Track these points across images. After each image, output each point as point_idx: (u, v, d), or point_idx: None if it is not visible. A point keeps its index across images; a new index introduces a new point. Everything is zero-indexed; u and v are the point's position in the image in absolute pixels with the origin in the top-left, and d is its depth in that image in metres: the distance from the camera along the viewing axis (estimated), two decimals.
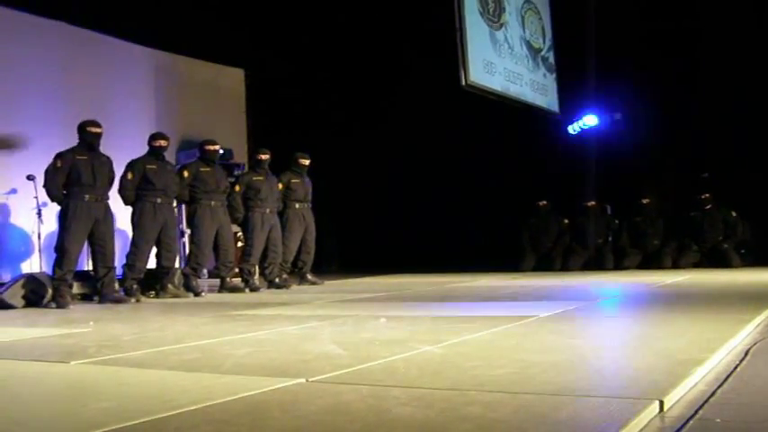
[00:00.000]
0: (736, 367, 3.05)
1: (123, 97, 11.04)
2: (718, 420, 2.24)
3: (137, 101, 11.32)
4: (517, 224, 12.21)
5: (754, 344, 3.62)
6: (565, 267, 11.43)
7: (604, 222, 11.82)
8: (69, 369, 3.28)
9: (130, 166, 7.80)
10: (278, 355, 3.52)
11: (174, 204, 8.49)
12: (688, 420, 2.23)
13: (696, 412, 2.32)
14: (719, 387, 2.69)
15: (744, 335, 3.86)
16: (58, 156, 7.17)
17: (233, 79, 13.40)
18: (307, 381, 2.80)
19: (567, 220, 11.93)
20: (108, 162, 7.45)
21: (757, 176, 13.34)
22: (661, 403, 2.33)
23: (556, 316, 4.83)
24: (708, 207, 11.33)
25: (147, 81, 11.64)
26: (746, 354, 3.37)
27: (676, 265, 10.95)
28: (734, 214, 11.40)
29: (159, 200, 7.82)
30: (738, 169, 13.30)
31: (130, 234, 8.00)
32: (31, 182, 8.13)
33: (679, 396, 2.49)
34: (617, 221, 11.81)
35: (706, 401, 2.46)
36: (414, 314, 5.36)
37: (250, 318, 5.39)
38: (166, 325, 5.10)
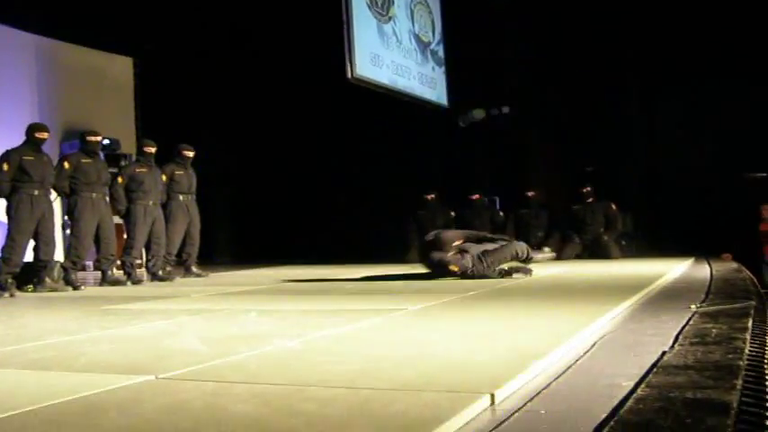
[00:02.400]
0: (578, 359, 3.18)
1: (2, 84, 10.72)
2: (543, 412, 2.34)
3: (16, 88, 10.99)
4: (405, 216, 12.34)
5: (604, 336, 3.77)
6: None
7: (489, 215, 12.05)
8: None
9: (5, 156, 7.60)
10: (136, 351, 3.51)
11: (55, 196, 8.31)
12: (514, 413, 2.32)
13: (525, 404, 2.41)
14: (555, 380, 2.80)
15: (597, 326, 4.00)
16: None
17: (122, 68, 13.14)
18: (156, 378, 2.80)
19: (453, 213, 12.12)
20: None
21: (638, 170, 13.87)
22: (492, 396, 2.42)
23: (424, 309, 4.92)
24: (590, 200, 11.66)
25: (27, 68, 11.32)
26: (593, 346, 3.51)
27: (559, 257, 11.25)
28: (614, 207, 11.78)
29: (36, 192, 7.64)
30: (620, 163, 13.80)
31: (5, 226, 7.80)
32: None
33: (514, 389, 2.58)
34: (502, 213, 12.07)
35: (538, 394, 2.56)
36: (286, 308, 5.40)
37: (120, 312, 5.34)
38: (32, 321, 5.02)
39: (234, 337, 3.88)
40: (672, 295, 5.79)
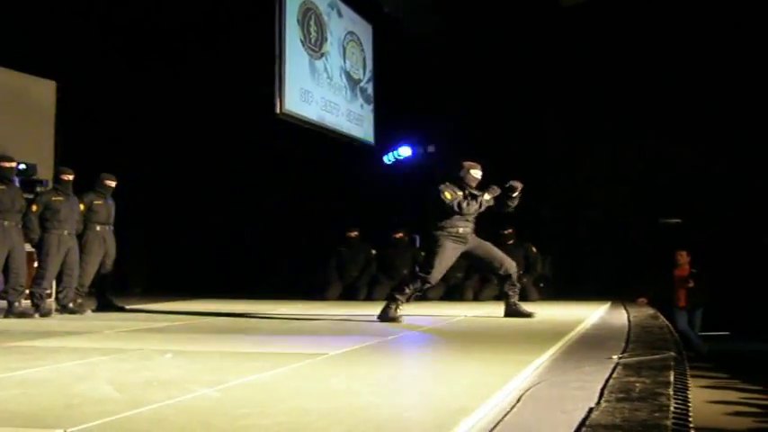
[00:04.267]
0: (505, 415, 3.13)
1: None
2: None
3: None
4: (327, 252, 12.26)
5: (529, 389, 3.73)
6: (370, 297, 11.55)
7: (411, 254, 12.04)
8: None
9: None
10: (43, 398, 3.32)
11: None
12: None
13: None
14: None
15: (522, 378, 3.98)
16: None
17: (43, 91, 12.80)
18: None
19: (374, 251, 12.09)
20: None
21: (556, 213, 14.07)
22: None
23: (345, 354, 4.83)
24: (510, 242, 11.72)
25: None
26: (518, 400, 3.46)
27: (477, 298, 11.29)
28: (534, 250, 11.88)
29: None
30: (540, 206, 13.97)
31: None
32: None
33: None
34: (423, 253, 12.03)
35: None
36: (203, 348, 5.23)
37: (27, 350, 5.10)
38: None
39: (149, 382, 3.72)
40: (592, 343, 5.82)
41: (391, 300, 7.59)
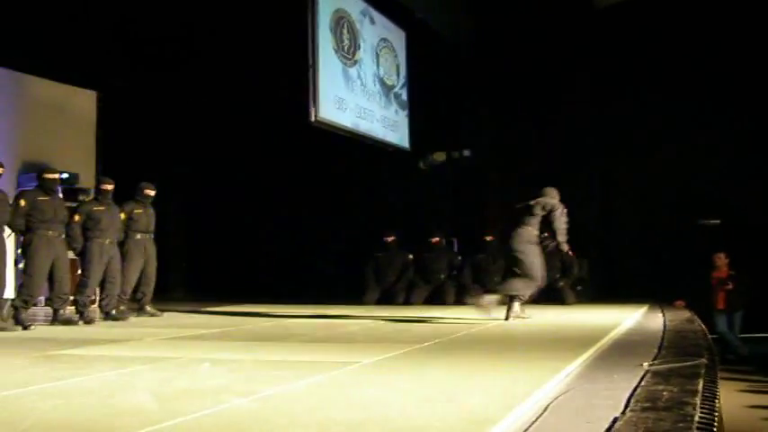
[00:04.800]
0: (530, 426, 3.19)
1: None
2: None
3: None
4: (364, 257, 12.37)
5: (557, 397, 3.80)
6: (407, 301, 11.64)
7: (448, 258, 12.10)
8: None
9: None
10: (86, 408, 3.45)
11: (9, 233, 8.19)
12: None
13: None
14: None
15: (551, 386, 4.03)
16: None
17: (85, 101, 13.05)
18: None
19: (411, 256, 12.16)
20: None
21: (594, 215, 14.04)
22: None
23: (378, 363, 4.92)
24: (546, 246, 11.72)
25: None
26: (545, 409, 3.53)
27: None
28: (570, 253, 11.85)
29: None
30: (577, 208, 13.96)
31: None
32: None
33: None
34: (460, 258, 12.12)
35: None
36: (239, 357, 5.36)
37: (70, 359, 5.26)
38: None
39: (187, 392, 3.85)
40: (625, 349, 5.85)
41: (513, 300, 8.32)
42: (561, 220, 8.70)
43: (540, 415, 3.39)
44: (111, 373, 4.56)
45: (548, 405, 3.61)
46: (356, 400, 3.65)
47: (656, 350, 5.74)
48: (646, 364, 4.87)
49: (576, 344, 5.92)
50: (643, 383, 4.16)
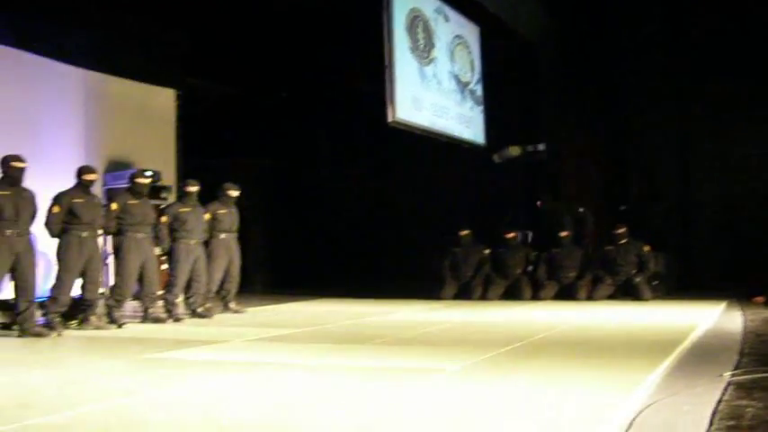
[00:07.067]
0: None
1: (50, 117, 10.93)
2: None
3: (65, 121, 11.23)
4: (440, 252, 12.47)
5: (641, 411, 3.90)
6: (484, 297, 11.74)
7: (523, 253, 12.14)
8: None
9: (57, 199, 7.83)
10: (195, 421, 3.69)
11: (100, 233, 8.53)
12: None
13: None
14: None
15: (633, 399, 4.13)
16: None
17: (164, 100, 13.38)
18: None
19: (487, 251, 12.22)
20: (31, 197, 7.46)
21: (671, 209, 13.94)
22: None
23: (463, 371, 5.07)
24: (623, 241, 11.72)
25: (76, 101, 11.55)
26: (631, 425, 3.64)
27: (591, 297, 11.32)
28: (647, 248, 11.81)
29: (85, 233, 7.86)
30: (653, 202, 13.89)
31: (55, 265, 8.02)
32: None
33: None
34: (535, 253, 12.15)
35: None
36: (328, 362, 5.57)
37: (168, 364, 5.53)
38: (86, 373, 5.21)
39: (287, 406, 4.06)
40: (705, 356, 5.90)
41: None
42: None
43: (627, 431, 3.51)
44: (206, 381, 4.81)
45: (632, 420, 3.72)
46: (450, 415, 3.80)
47: (736, 357, 5.77)
48: (727, 374, 4.93)
49: (653, 349, 6.00)
50: (726, 397, 4.23)
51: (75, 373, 5.24)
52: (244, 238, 10.46)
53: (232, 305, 9.82)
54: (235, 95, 14.46)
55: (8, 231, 7.15)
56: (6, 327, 7.79)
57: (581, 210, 12.85)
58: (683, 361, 5.62)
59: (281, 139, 15.19)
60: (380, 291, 12.66)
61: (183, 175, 11.69)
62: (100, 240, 8.45)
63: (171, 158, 13.10)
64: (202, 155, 12.87)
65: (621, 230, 11.83)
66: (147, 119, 12.73)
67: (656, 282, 11.95)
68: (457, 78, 13.08)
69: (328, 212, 15.49)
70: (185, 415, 3.83)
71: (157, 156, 12.47)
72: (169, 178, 12.16)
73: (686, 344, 6.40)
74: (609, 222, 12.66)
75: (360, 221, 15.23)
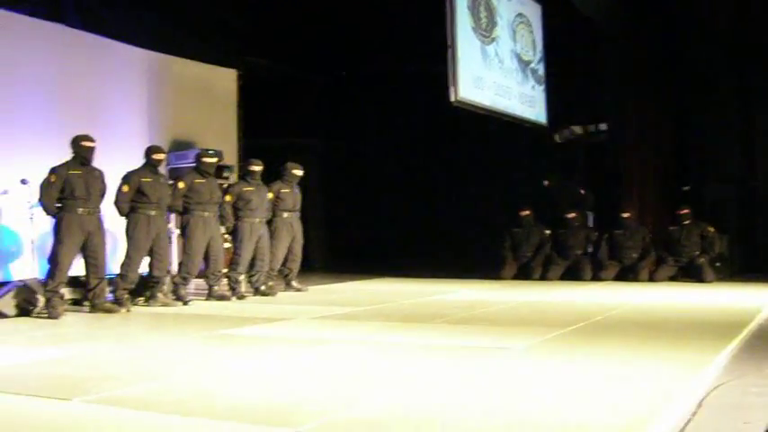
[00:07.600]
0: (686, 424, 3.31)
1: (116, 98, 11.16)
2: None
3: (130, 101, 11.43)
4: (501, 232, 12.46)
5: (709, 392, 3.88)
6: (544, 277, 11.70)
7: (584, 234, 12.06)
8: (71, 410, 3.51)
9: (126, 178, 8.01)
10: (268, 394, 3.78)
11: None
12: None
13: None
14: None
15: (701, 380, 4.12)
16: (52, 171, 7.38)
17: (226, 80, 13.52)
18: None
19: (548, 231, 12.17)
20: (100, 176, 7.65)
21: (734, 190, 13.69)
22: None
23: (527, 350, 5.09)
24: (686, 222, 11.58)
25: (140, 82, 11.75)
26: (699, 406, 3.63)
27: (652, 278, 11.21)
28: (711, 230, 11.65)
29: (153, 212, 8.04)
30: (717, 182, 13.66)
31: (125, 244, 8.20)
32: (25, 185, 8.01)
33: None
34: (596, 233, 12.07)
35: None
36: (390, 339, 5.64)
37: (237, 340, 5.65)
38: (155, 349, 5.34)
39: (354, 378, 4.16)
40: None
41: None
42: None
43: (695, 412, 3.50)
44: (279, 356, 4.91)
45: (701, 400, 3.71)
46: (518, 393, 3.83)
47: None
48: None
49: (719, 330, 5.94)
50: None
51: (145, 348, 5.38)
52: (305, 217, 10.57)
53: (294, 283, 9.95)
54: (293, 75, 14.55)
55: (80, 210, 7.36)
56: (78, 303, 8.02)
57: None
58: (749, 343, 5.55)
59: (342, 119, 15.28)
60: (440, 270, 12.70)
61: (244, 154, 11.83)
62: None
63: (233, 138, 13.24)
64: (261, 134, 12.98)
65: (685, 211, 11.69)
66: (209, 99, 12.87)
67: (719, 264, 11.79)
68: (519, 57, 13.00)
69: (388, 192, 15.56)
70: (254, 388, 3.93)
71: (219, 135, 12.61)
72: (231, 158, 12.31)
73: (752, 326, 6.32)
74: (671, 203, 12.51)
75: (419, 201, 15.27)
